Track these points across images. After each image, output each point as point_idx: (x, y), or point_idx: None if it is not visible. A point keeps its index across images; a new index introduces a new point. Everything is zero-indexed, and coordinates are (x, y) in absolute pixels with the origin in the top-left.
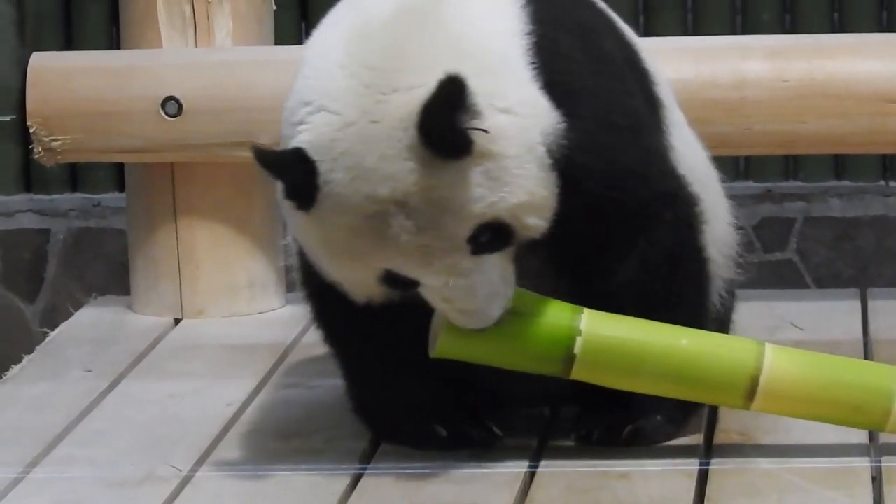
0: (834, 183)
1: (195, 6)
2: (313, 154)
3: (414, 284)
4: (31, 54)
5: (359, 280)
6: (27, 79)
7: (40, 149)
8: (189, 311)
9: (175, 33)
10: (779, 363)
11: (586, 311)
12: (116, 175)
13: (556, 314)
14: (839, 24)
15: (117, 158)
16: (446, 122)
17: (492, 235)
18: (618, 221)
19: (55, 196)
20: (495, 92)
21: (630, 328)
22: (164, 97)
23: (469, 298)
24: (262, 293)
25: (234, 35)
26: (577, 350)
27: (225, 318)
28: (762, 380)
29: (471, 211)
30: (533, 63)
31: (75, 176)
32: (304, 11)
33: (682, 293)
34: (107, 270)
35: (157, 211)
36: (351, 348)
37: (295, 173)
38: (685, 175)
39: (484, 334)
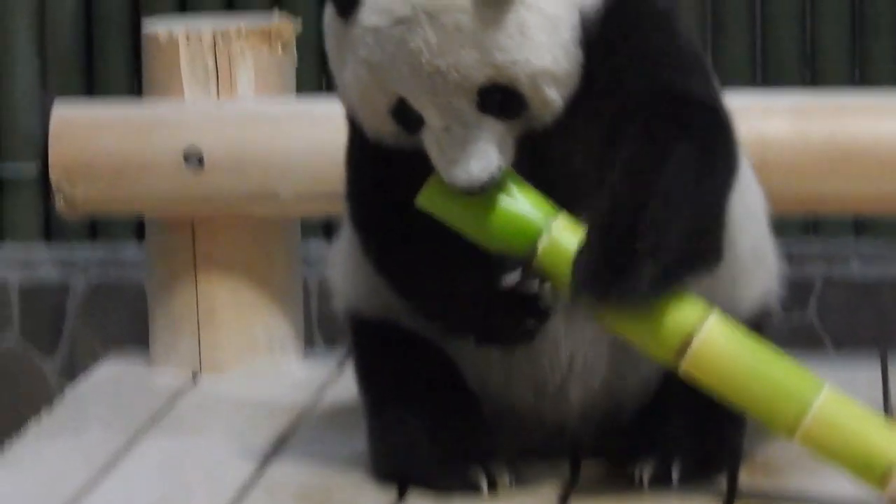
0: (854, 244)
1: (217, 58)
2: None
3: (418, 124)
4: (53, 102)
5: (374, 108)
6: (50, 130)
7: (62, 201)
8: (208, 367)
9: (197, 85)
10: (716, 333)
11: (563, 216)
12: (136, 227)
13: (535, 208)
14: (860, 78)
15: (139, 211)
16: None
17: (503, 99)
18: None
19: (75, 247)
20: None
21: None
22: (186, 150)
23: (460, 149)
24: (281, 351)
25: (255, 87)
26: (539, 247)
27: (244, 376)
28: (695, 342)
29: (493, 58)
30: None
31: (95, 228)
32: (323, 61)
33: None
34: (126, 323)
35: (176, 265)
36: (381, 382)
37: None
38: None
39: (464, 200)
